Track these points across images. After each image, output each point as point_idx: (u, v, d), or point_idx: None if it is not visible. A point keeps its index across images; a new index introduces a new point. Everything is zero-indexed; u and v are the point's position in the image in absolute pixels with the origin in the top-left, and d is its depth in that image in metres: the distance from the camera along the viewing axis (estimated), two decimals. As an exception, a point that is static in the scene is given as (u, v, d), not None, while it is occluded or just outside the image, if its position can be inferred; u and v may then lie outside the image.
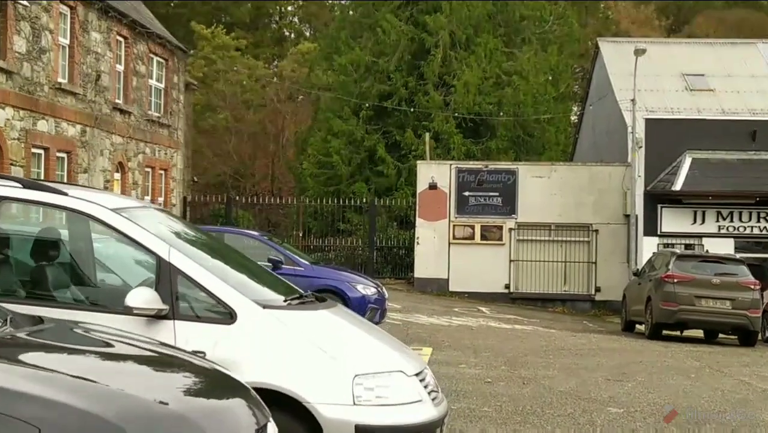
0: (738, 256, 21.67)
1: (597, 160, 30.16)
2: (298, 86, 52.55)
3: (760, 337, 23.33)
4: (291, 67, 57.08)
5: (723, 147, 26.31)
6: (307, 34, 71.87)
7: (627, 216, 27.26)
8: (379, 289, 16.87)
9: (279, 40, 72.20)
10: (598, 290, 28.18)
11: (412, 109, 38.43)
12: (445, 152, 37.11)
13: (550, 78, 43.74)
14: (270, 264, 16.29)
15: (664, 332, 20.93)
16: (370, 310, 16.54)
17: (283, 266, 16.32)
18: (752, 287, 20.42)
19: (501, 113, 41.35)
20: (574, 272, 28.59)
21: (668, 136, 26.36)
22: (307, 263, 16.61)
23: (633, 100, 26.82)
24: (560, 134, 42.52)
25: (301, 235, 34.14)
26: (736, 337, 21.13)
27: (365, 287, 16.55)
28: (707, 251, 25.35)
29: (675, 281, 20.38)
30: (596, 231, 28.37)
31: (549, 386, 12.48)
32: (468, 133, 39.48)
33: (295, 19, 74.61)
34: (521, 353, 16.04)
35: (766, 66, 30.98)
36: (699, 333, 22.03)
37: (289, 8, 73.93)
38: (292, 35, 72.11)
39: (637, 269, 23.18)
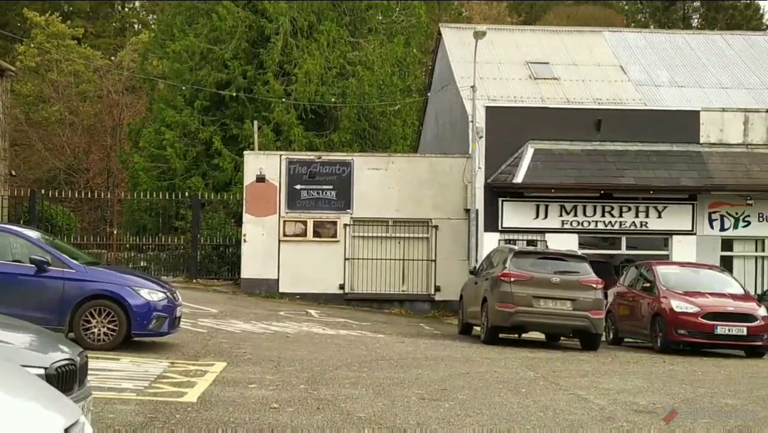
0: (580, 252, 20.10)
1: (440, 153, 28.41)
2: (133, 75, 49.51)
3: (604, 339, 21.96)
4: (131, 57, 54.08)
5: (567, 137, 24.87)
6: (152, 24, 68.65)
7: (468, 211, 25.57)
8: (169, 294, 14.45)
9: (122, 30, 68.88)
10: (437, 289, 26.40)
11: (250, 99, 36.08)
12: (285, 145, 34.94)
13: (398, 69, 42.17)
14: (33, 266, 13.76)
15: (502, 335, 19.18)
16: (156, 319, 14.12)
17: (51, 267, 13.77)
18: (594, 286, 18.85)
19: (345, 105, 39.47)
20: (413, 270, 26.76)
21: (510, 126, 24.76)
22: (80, 264, 14.04)
23: (473, 87, 25.11)
24: (408, 128, 40.85)
25: (115, 232, 31.38)
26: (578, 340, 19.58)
27: (151, 292, 14.11)
28: (547, 246, 23.82)
29: (512, 280, 18.64)
30: (436, 227, 26.59)
31: (348, 410, 10.35)
32: (310, 126, 37.46)
33: (138, 7, 71.38)
34: (332, 367, 13.88)
35: (612, 55, 29.85)
36: (540, 336, 20.41)
37: (133, -3, 70.63)
38: (137, 25, 68.91)
39: (475, 267, 21.38)
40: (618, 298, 21.89)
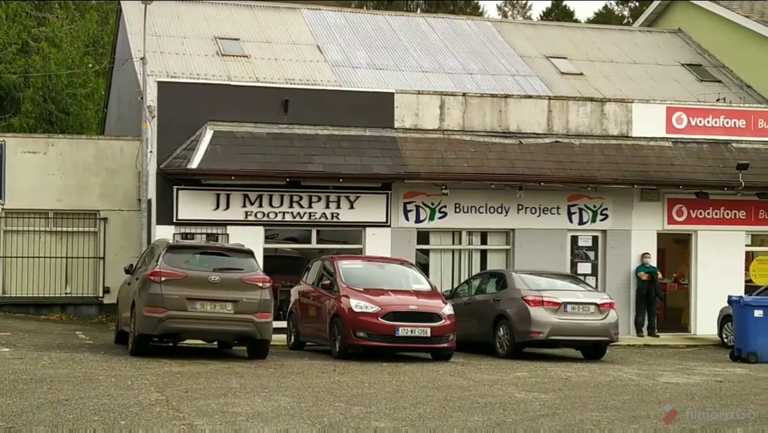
0: (246, 247, 17.56)
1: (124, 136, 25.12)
2: None
3: (286, 343, 19.65)
4: None
5: (252, 119, 22.30)
6: None
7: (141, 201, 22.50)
8: None
9: None
10: (107, 291, 23.13)
11: None
12: (-42, 128, 30.46)
13: (91, 49, 38.39)
14: None
15: (186, 343, 16.36)
16: None
17: None
18: (260, 284, 16.36)
19: (28, 85, 35.31)
20: (78, 269, 23.37)
21: (188, 105, 21.85)
22: None
23: (143, 59, 22.08)
24: (101, 112, 37.08)
25: None
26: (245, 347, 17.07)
27: None
28: (220, 241, 21.18)
29: (162, 279, 15.83)
30: (105, 219, 23.32)
31: None
32: (-15, 107, 33.16)
33: None
34: None
35: (309, 34, 27.65)
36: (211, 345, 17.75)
37: None
38: None
39: (131, 265, 18.36)
40: (300, 297, 19.60)
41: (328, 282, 18.33)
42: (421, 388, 13.56)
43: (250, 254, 16.98)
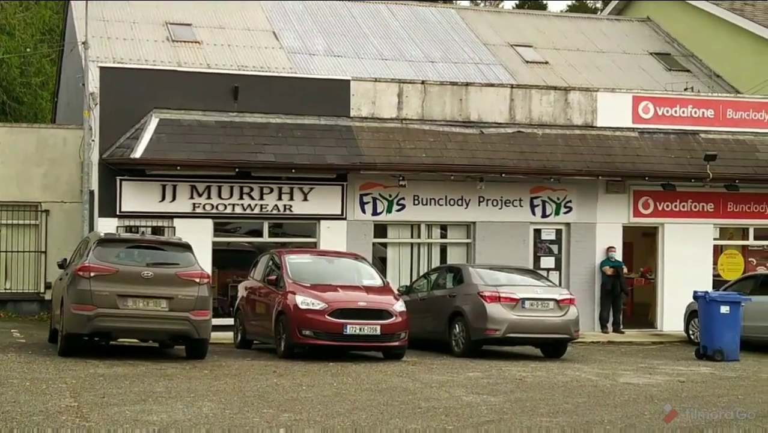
0: (183, 240, 16.60)
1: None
2: None
3: (233, 342, 18.75)
4: None
5: (201, 106, 21.30)
6: None
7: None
8: None
9: None
10: (48, 286, 22.04)
11: None
12: None
13: (47, 37, 37.29)
14: None
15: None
16: None
17: None
18: (198, 280, 15.40)
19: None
20: (19, 264, 22.32)
21: (132, 92, 20.79)
22: None
23: (84, 44, 21.06)
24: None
25: None
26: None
27: None
28: (166, 234, 20.19)
29: (91, 274, 14.86)
30: (47, 212, 22.28)
31: None
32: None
33: None
34: None
35: (265, 20, 26.61)
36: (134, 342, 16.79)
37: None
38: None
39: (65, 260, 17.34)
40: (247, 293, 18.68)
41: (274, 277, 17.41)
42: (362, 391, 12.67)
43: (187, 247, 16.01)
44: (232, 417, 10.28)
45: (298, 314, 16.20)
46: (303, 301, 16.31)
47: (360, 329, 16.22)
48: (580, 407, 12.03)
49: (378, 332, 16.32)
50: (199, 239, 21.02)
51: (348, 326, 16.13)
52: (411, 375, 14.60)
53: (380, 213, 22.34)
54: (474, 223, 22.89)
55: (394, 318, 16.52)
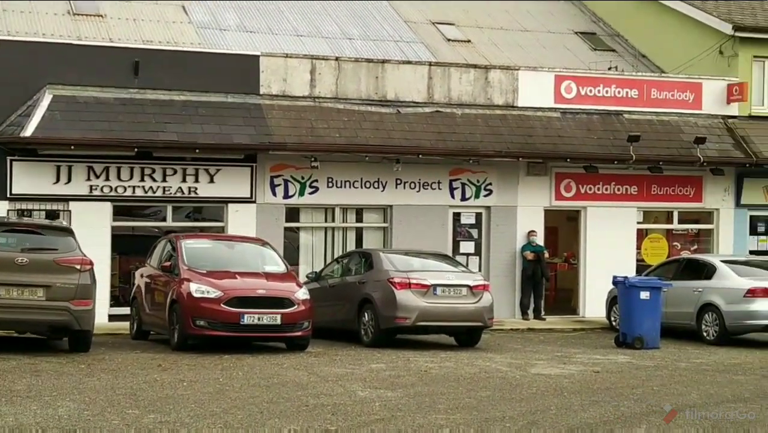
0: (63, 224, 15.42)
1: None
2: None
3: (129, 333, 17.60)
4: None
5: (99, 82, 20.02)
6: None
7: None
8: None
9: None
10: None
11: None
12: None
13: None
14: None
15: None
16: None
17: None
18: (78, 267, 14.24)
19: None
20: None
21: (24, 66, 19.44)
22: None
23: (-30, 14, 19.66)
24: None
25: None
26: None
27: None
28: (62, 218, 18.93)
29: (-41, 262, 13.61)
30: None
31: None
32: None
33: None
34: None
35: (183, 13, 25.24)
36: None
37: None
38: None
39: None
40: (143, 281, 17.54)
41: (169, 264, 16.29)
42: (249, 387, 11.65)
43: (68, 231, 14.83)
44: (88, 420, 9.20)
45: (192, 303, 15.12)
46: (197, 289, 15.24)
47: (258, 319, 15.19)
48: (482, 402, 11.16)
49: (278, 322, 15.31)
50: (98, 223, 19.93)
51: (245, 316, 15.10)
52: (309, 368, 13.62)
53: (292, 196, 21.30)
54: (391, 206, 21.97)
55: (296, 307, 15.51)
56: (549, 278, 23.04)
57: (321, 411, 10.19)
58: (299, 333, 15.61)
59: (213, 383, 11.81)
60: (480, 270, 21.97)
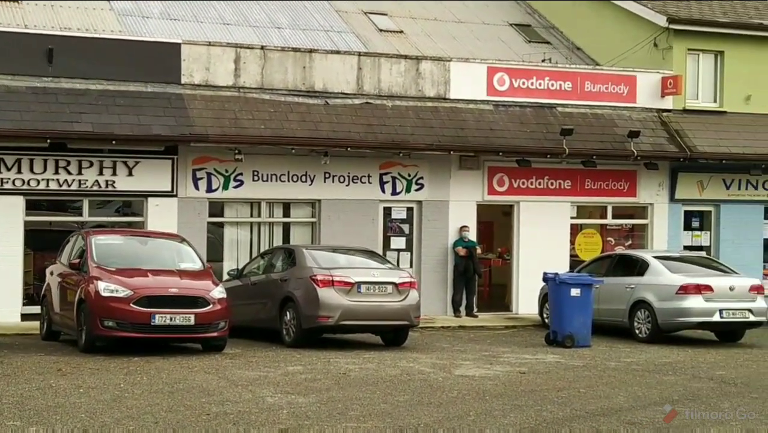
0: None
1: None
2: None
3: (39, 333, 16.71)
4: None
5: (9, 70, 18.94)
6: None
7: None
8: None
9: None
10: None
11: None
12: None
13: None
14: None
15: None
16: None
17: None
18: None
19: None
20: None
21: (-71, 53, 18.54)
22: None
23: None
24: None
25: None
26: None
27: None
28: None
29: None
30: None
31: None
32: None
33: None
34: None
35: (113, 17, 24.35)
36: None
37: None
38: None
39: None
40: (53, 278, 16.66)
41: (77, 261, 15.45)
42: (150, 393, 10.91)
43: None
44: (-41, 434, 8.43)
45: (100, 303, 14.32)
46: (105, 287, 14.44)
47: (171, 319, 14.43)
48: (398, 407, 10.55)
49: (192, 322, 14.56)
50: (9, 218, 19.00)
51: (156, 316, 14.33)
52: (220, 371, 12.90)
53: (216, 190, 20.51)
54: (319, 201, 21.28)
55: (211, 306, 14.78)
56: (481, 274, 22.53)
57: (222, 420, 9.50)
58: (215, 334, 14.87)
59: (112, 390, 11.05)
60: (411, 266, 21.41)
